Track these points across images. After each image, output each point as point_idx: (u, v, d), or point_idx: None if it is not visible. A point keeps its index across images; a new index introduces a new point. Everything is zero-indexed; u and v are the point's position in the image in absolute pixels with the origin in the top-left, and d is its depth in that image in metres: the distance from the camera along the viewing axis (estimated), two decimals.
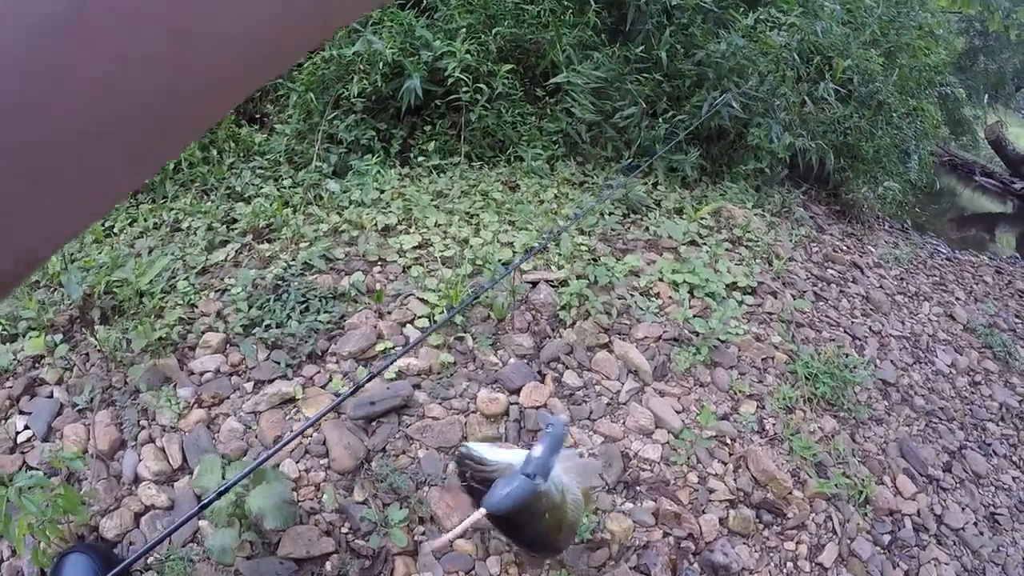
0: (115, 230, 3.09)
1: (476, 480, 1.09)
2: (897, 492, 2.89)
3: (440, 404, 2.47)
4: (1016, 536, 2.96)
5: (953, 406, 3.55)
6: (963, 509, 2.95)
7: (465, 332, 2.77)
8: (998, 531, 2.97)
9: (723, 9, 4.83)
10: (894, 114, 5.26)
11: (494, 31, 4.20)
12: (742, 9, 4.76)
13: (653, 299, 3.24)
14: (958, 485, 3.09)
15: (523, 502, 0.98)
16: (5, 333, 2.36)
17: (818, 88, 4.89)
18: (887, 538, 2.67)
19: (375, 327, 2.72)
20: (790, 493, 2.54)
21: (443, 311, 2.83)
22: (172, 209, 3.20)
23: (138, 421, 2.18)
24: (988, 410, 3.63)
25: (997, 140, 9.69)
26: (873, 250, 5.01)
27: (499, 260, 3.15)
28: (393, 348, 2.67)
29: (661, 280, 3.36)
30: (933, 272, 5.11)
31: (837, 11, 4.95)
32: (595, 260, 3.37)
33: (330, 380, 2.51)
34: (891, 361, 3.65)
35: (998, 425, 3.54)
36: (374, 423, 2.37)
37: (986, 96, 10.36)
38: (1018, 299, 5.19)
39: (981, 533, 2.88)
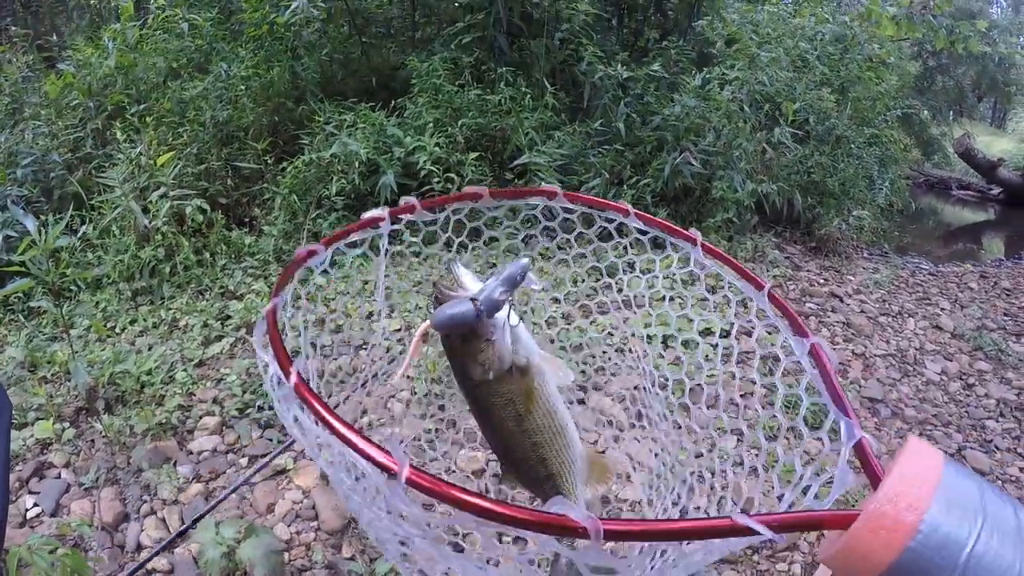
0: (116, 329, 3.36)
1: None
2: None
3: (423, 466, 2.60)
4: None
5: (947, 411, 3.57)
6: None
7: (446, 400, 2.93)
8: None
9: (674, 75, 5.21)
10: (852, 145, 5.52)
11: (460, 123, 4.58)
12: (693, 71, 5.13)
13: (627, 353, 3.37)
14: None
15: (459, 324, 0.87)
16: (15, 422, 2.57)
17: (774, 134, 5.17)
18: None
19: (360, 403, 2.89)
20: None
21: (423, 382, 3.01)
22: (170, 309, 3.48)
23: (140, 496, 2.35)
24: (985, 409, 3.63)
25: (966, 151, 9.92)
26: (852, 278, 5.13)
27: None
28: (379, 420, 2.84)
29: (634, 335, 3.51)
30: (916, 289, 5.19)
31: (783, 59, 5.29)
32: (569, 325, 3.55)
33: (319, 452, 2.65)
34: (877, 379, 3.70)
35: (997, 422, 3.54)
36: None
37: (951, 112, 10.70)
38: (1005, 298, 5.23)
39: None
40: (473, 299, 0.86)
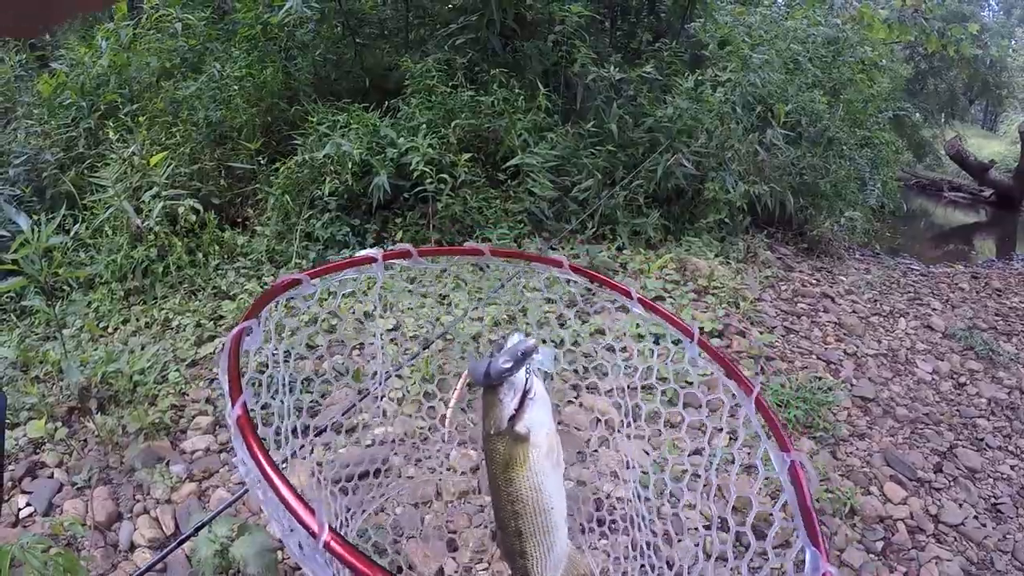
0: (109, 329, 3.35)
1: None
2: (886, 499, 2.91)
3: (415, 465, 2.61)
4: (1022, 522, 2.94)
5: (939, 410, 3.60)
6: (960, 505, 2.94)
7: (437, 399, 2.94)
8: (1002, 520, 2.94)
9: (666, 76, 5.23)
10: (844, 147, 5.56)
11: (453, 124, 4.59)
12: (686, 73, 5.16)
13: (620, 353, 3.40)
14: (952, 483, 3.09)
15: (474, 379, 0.98)
16: (8, 422, 2.57)
17: (766, 135, 5.20)
18: (880, 544, 2.68)
19: (353, 404, 2.91)
20: (769, 515, 2.59)
21: (416, 383, 3.01)
22: (163, 308, 3.47)
23: (133, 495, 2.35)
24: (977, 408, 3.66)
25: (958, 154, 10.01)
26: (844, 279, 5.16)
27: (468, 333, 3.35)
28: (374, 419, 2.84)
29: (626, 335, 3.53)
30: (907, 289, 5.23)
31: (775, 61, 5.33)
32: (563, 324, 3.57)
33: (312, 451, 2.66)
34: (868, 378, 3.73)
35: (989, 420, 3.57)
36: (352, 483, 2.51)
37: (942, 115, 10.79)
38: (996, 298, 5.27)
39: (984, 525, 2.85)
40: (488, 363, 0.95)
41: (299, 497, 0.55)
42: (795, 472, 0.80)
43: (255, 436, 0.60)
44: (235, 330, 0.72)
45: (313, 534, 0.54)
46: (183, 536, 1.63)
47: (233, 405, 0.62)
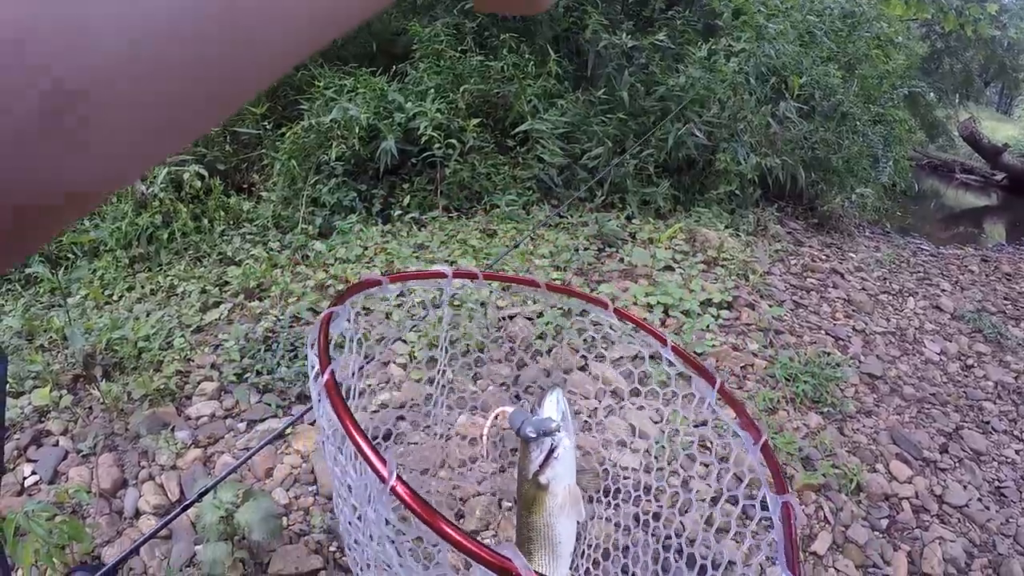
0: (114, 296, 3.32)
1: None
2: (892, 478, 2.90)
3: (422, 431, 2.59)
4: None
5: (946, 391, 3.58)
6: (964, 487, 2.94)
7: (445, 364, 2.92)
8: (1005, 504, 2.95)
9: (679, 45, 5.12)
10: (858, 123, 5.46)
11: (462, 89, 4.50)
12: (699, 42, 5.05)
13: (628, 322, 3.37)
14: (957, 464, 3.09)
15: (514, 428, 1.20)
16: (12, 391, 2.55)
17: (779, 108, 5.11)
18: (885, 522, 2.68)
19: (360, 367, 2.89)
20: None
21: (422, 348, 2.99)
22: (168, 275, 3.44)
23: (138, 462, 2.33)
24: (983, 390, 3.64)
25: (971, 135, 9.87)
26: (854, 256, 5.11)
27: (476, 299, 3.32)
28: (378, 385, 2.83)
29: (635, 303, 3.49)
30: (917, 269, 5.18)
31: (790, 32, 5.22)
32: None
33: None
34: (876, 356, 3.70)
35: (995, 403, 3.55)
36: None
37: (957, 96, 10.60)
38: (1005, 282, 5.23)
39: (987, 508, 2.86)
40: (523, 422, 1.19)
41: (374, 449, 0.65)
42: (786, 513, 0.88)
43: (340, 397, 0.71)
44: (324, 313, 0.87)
45: (383, 479, 0.63)
46: (187, 502, 1.62)
47: (323, 372, 0.74)
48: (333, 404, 0.71)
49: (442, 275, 1.20)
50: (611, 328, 1.33)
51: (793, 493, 0.91)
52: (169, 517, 1.53)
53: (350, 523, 0.84)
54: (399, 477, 0.64)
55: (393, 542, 0.72)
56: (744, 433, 1.08)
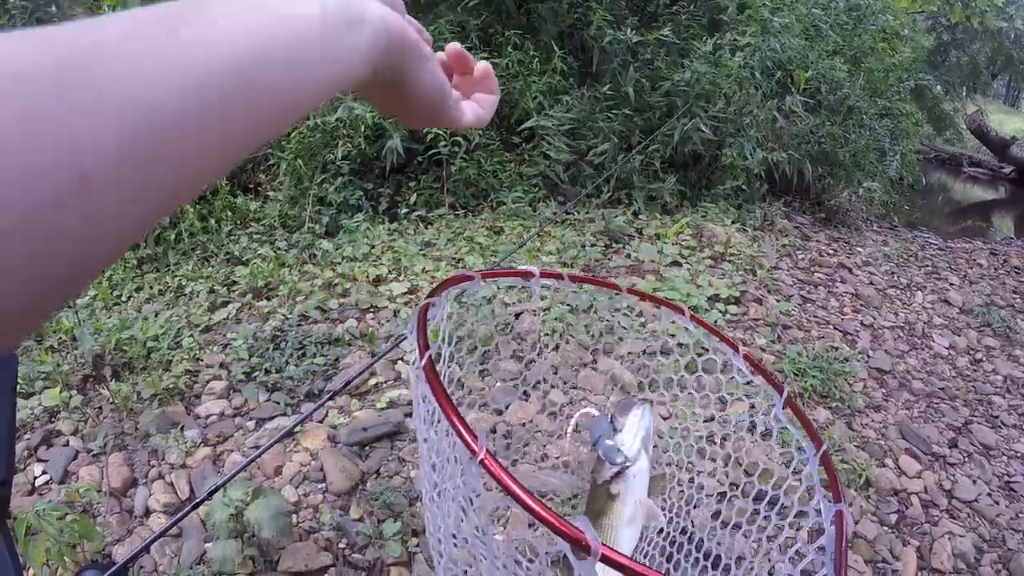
0: (123, 297, 3.34)
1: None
2: (901, 472, 2.89)
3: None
4: None
5: (955, 385, 3.56)
6: (974, 481, 2.93)
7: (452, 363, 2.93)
8: (1015, 499, 2.93)
9: (684, 40, 5.10)
10: (864, 116, 5.43)
11: None
12: (704, 37, 5.03)
13: (635, 318, 3.36)
14: (966, 459, 3.07)
15: (591, 437, 1.24)
16: (22, 391, 2.57)
17: (785, 102, 5.09)
18: (894, 517, 2.67)
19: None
20: (786, 483, 2.59)
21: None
22: (176, 275, 3.46)
23: (148, 461, 2.35)
24: (993, 384, 3.63)
25: (979, 128, 9.79)
26: (861, 250, 5.09)
27: (482, 296, 3.31)
28: (384, 382, 2.84)
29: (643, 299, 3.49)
30: (925, 263, 5.16)
31: (795, 26, 5.19)
32: (577, 288, 3.53)
33: (327, 415, 2.66)
34: (885, 351, 3.69)
35: (1004, 398, 3.53)
36: (367, 448, 2.50)
37: (964, 88, 10.50)
38: (1015, 276, 5.20)
39: (997, 503, 2.84)
40: (600, 437, 1.23)
41: (466, 426, 0.70)
42: (839, 521, 0.89)
43: (437, 379, 0.76)
44: (422, 304, 0.93)
45: (473, 452, 0.68)
46: (197, 500, 1.63)
47: (422, 357, 0.79)
48: (431, 385, 0.76)
49: (531, 274, 1.21)
50: (686, 331, 1.34)
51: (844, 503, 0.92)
52: (179, 515, 1.53)
53: (431, 499, 0.91)
54: (488, 451, 0.68)
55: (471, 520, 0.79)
56: (806, 443, 1.09)
